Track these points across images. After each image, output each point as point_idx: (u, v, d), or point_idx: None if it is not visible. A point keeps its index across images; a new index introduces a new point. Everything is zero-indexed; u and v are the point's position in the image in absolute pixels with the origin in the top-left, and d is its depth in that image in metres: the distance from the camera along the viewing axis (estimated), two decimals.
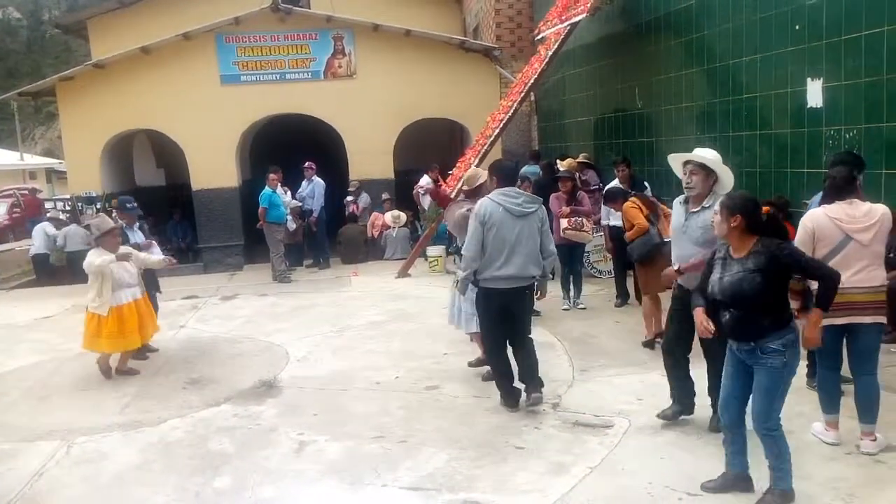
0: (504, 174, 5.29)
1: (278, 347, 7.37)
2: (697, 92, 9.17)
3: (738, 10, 8.15)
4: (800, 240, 4.34)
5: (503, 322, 5.27)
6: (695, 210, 4.50)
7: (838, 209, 4.25)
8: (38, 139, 48.59)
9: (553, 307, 8.16)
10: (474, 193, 5.94)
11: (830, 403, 4.41)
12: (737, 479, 3.89)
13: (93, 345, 6.52)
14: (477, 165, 10.86)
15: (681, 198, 4.67)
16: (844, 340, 4.33)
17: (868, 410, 4.26)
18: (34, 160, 37.11)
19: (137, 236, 7.61)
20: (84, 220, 13.25)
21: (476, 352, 6.16)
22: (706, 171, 4.43)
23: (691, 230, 4.49)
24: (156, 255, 7.24)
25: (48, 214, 14.38)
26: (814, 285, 3.86)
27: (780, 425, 3.69)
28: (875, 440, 4.25)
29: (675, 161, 4.64)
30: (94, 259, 6.31)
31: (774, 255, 3.56)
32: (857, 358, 4.31)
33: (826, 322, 4.03)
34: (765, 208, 3.61)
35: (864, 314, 4.20)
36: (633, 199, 6.73)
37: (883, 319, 4.29)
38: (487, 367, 5.77)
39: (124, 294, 6.49)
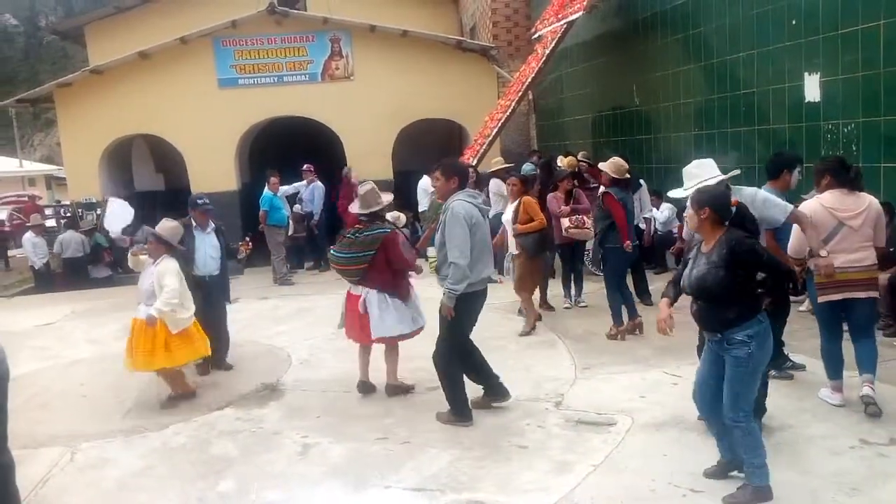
0: (465, 175, 5.19)
1: (280, 350, 7.38)
2: (695, 88, 9.18)
3: (735, 6, 8.17)
4: (797, 229, 4.75)
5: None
6: None
7: (832, 198, 4.77)
8: (37, 145, 48.61)
9: (555, 305, 8.17)
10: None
11: (834, 371, 4.89)
12: (729, 465, 3.91)
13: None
14: (476, 165, 10.88)
15: None
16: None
17: (868, 363, 4.80)
18: (33, 167, 37.14)
19: (208, 242, 6.66)
20: (82, 226, 13.30)
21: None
22: None
23: None
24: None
25: (27, 223, 14.36)
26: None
27: (748, 417, 3.68)
28: (874, 388, 4.75)
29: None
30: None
31: (733, 249, 3.60)
32: (856, 328, 4.85)
33: (824, 299, 4.75)
34: (734, 200, 3.68)
35: (858, 290, 4.72)
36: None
37: (875, 294, 4.84)
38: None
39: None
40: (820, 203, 4.78)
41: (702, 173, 4.51)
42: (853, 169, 4.90)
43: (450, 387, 5.13)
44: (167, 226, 5.91)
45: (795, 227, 4.78)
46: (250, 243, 6.68)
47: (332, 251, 5.86)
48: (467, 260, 4.80)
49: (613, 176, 7.12)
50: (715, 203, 3.67)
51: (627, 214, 7.08)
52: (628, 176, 7.27)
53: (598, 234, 7.18)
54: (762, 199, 4.55)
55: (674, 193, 4.76)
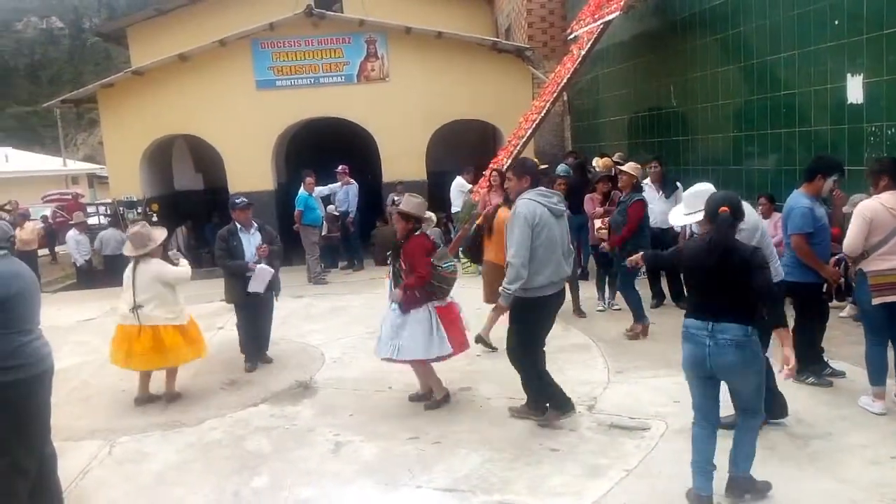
0: (535, 173, 5.04)
1: (314, 348, 7.46)
2: (734, 89, 9.04)
3: (775, 6, 8.02)
4: (857, 227, 4.76)
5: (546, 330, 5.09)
6: None
7: (893, 199, 4.74)
8: (80, 145, 49.83)
9: (588, 308, 8.11)
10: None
11: (879, 376, 4.82)
12: (731, 482, 3.90)
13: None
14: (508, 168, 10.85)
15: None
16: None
17: None
18: (76, 166, 38.09)
19: (254, 242, 6.79)
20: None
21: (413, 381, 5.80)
22: None
23: None
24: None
25: (71, 221, 14.70)
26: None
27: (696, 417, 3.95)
28: None
29: None
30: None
31: None
32: None
33: (881, 300, 4.71)
34: (722, 208, 3.68)
35: None
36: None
37: None
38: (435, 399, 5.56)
39: None
40: (880, 203, 4.77)
41: (697, 204, 4.28)
42: None
43: (525, 380, 5.06)
44: (132, 230, 6.11)
45: (853, 223, 4.80)
46: (265, 248, 6.80)
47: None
48: (521, 260, 4.67)
49: (638, 181, 7.16)
50: (707, 208, 3.86)
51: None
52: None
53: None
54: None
55: (673, 220, 4.73)
